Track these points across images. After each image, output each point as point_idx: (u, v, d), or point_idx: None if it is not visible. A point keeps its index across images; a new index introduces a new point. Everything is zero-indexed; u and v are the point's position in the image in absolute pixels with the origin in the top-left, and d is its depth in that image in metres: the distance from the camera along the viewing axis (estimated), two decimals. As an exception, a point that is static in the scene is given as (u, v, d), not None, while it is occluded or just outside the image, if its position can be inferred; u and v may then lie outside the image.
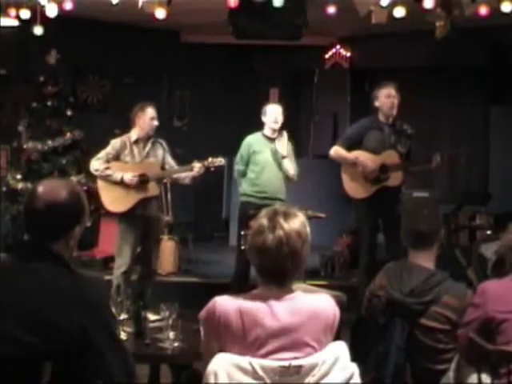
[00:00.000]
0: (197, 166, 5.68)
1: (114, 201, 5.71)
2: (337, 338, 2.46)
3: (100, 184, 5.76)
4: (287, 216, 2.39)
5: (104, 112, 9.03)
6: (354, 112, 8.79)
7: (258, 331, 2.31)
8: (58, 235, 2.27)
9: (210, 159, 5.80)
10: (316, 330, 2.37)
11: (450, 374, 2.90)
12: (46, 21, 6.19)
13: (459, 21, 6.12)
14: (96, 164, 5.69)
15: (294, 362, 2.30)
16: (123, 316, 3.49)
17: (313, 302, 2.42)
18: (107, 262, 7.03)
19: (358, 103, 8.75)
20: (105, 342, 2.13)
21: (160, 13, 6.07)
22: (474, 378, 2.74)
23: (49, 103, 7.60)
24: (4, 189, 7.42)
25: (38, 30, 6.30)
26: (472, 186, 8.88)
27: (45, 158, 7.52)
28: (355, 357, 2.45)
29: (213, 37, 8.87)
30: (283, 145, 6.05)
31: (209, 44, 9.19)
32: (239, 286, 5.60)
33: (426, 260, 3.10)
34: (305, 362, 2.31)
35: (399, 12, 5.93)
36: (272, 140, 6.09)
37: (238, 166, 6.21)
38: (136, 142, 5.74)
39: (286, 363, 2.29)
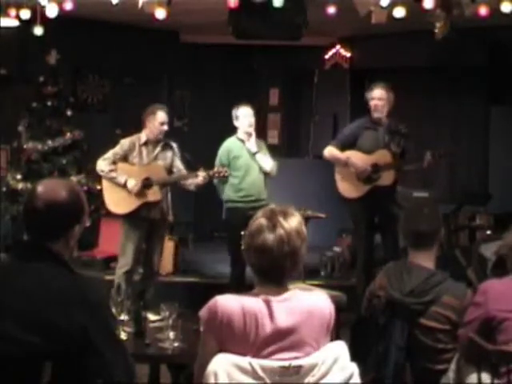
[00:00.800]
0: (201, 175, 5.66)
1: (118, 202, 5.72)
2: (336, 337, 2.46)
3: (105, 184, 5.77)
4: (286, 215, 2.39)
5: (104, 112, 9.01)
6: (354, 112, 8.77)
7: (259, 332, 2.31)
8: (57, 235, 2.27)
9: (215, 169, 5.82)
10: (314, 329, 2.37)
11: (450, 374, 2.90)
12: (46, 21, 6.17)
13: (459, 21, 6.11)
14: (102, 164, 5.68)
15: (294, 362, 2.30)
16: (123, 316, 3.49)
17: (309, 301, 2.42)
18: (107, 262, 7.03)
19: (358, 103, 8.69)
20: (105, 341, 2.14)
21: (160, 13, 6.06)
22: (473, 377, 2.74)
23: (49, 103, 7.57)
24: (4, 189, 7.41)
25: (38, 30, 6.28)
26: (472, 186, 8.86)
27: (45, 158, 7.50)
28: (355, 357, 2.45)
29: (213, 37, 8.86)
30: (252, 142, 6.08)
31: (209, 44, 9.17)
32: (237, 288, 5.60)
33: (425, 260, 3.11)
34: (304, 362, 2.31)
35: (399, 12, 5.92)
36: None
37: None
38: (145, 143, 5.73)
39: (285, 363, 2.29)
